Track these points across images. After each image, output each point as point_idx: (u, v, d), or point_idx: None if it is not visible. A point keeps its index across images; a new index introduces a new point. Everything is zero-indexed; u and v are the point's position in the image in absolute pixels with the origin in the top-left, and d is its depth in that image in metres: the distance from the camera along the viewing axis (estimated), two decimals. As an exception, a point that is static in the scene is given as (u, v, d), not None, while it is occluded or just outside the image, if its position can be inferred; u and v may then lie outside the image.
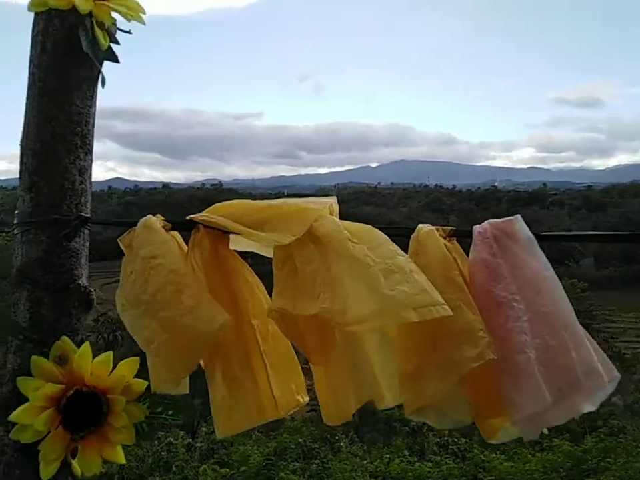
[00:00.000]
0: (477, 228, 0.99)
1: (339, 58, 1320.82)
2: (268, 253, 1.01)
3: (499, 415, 0.95)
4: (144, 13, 0.97)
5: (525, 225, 0.98)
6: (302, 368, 1.08)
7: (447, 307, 0.85)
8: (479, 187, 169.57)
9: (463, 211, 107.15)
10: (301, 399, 1.04)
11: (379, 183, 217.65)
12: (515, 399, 0.90)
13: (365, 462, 7.30)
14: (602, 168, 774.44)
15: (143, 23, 0.97)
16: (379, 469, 6.90)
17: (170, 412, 0.98)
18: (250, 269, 1.04)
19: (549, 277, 0.95)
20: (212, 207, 0.99)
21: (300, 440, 7.78)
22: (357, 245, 0.89)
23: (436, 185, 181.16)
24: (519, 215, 1.00)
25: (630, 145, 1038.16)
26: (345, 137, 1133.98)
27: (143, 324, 0.93)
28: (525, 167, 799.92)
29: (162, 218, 0.99)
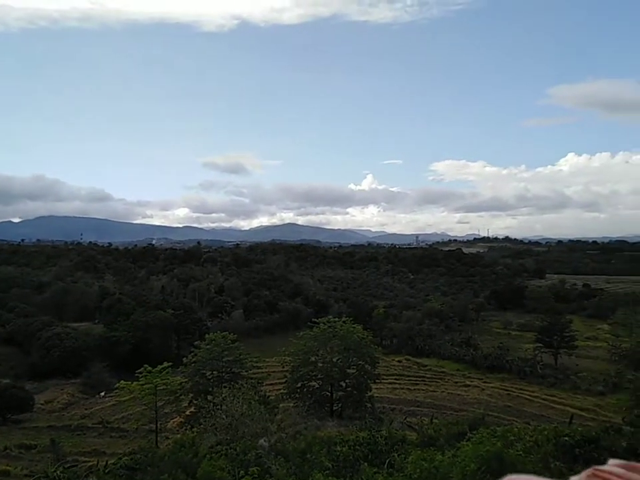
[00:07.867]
0: None
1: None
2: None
3: None
4: None
5: None
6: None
7: None
8: (136, 245, 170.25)
9: (120, 268, 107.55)
10: None
11: (22, 240, 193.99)
12: None
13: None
14: (247, 228, 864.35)
15: None
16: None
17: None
18: None
19: None
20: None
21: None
22: None
23: (90, 242, 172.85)
24: None
25: (268, 208, 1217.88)
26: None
27: None
28: (181, 225, 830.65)
29: None
